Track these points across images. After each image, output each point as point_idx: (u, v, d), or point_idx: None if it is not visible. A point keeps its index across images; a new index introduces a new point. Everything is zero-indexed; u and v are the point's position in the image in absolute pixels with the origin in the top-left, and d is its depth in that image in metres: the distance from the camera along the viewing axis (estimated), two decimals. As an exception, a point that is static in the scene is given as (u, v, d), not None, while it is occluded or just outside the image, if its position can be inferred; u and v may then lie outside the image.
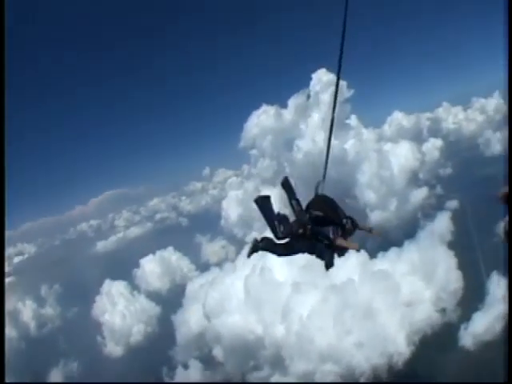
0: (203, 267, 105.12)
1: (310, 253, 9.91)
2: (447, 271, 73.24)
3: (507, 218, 2.83)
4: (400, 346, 65.20)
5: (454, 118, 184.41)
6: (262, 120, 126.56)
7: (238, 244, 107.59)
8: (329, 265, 9.95)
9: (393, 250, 77.63)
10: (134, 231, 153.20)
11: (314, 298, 66.08)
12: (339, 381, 62.45)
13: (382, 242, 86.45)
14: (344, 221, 9.87)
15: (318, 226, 9.66)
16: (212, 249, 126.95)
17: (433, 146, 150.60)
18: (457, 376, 63.65)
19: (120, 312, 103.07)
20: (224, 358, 71.55)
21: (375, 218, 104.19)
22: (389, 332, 65.50)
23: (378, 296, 66.74)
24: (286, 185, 10.83)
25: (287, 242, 9.83)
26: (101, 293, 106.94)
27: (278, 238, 9.71)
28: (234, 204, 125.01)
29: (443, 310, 71.86)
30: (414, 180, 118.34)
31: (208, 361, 77.76)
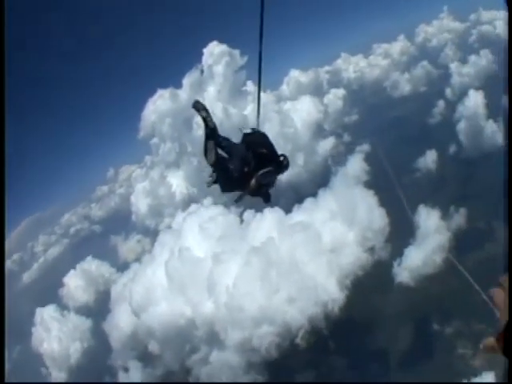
0: (123, 267, 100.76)
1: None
2: (369, 210, 72.82)
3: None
4: (333, 293, 64.23)
5: (356, 66, 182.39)
6: (159, 105, 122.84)
7: (152, 235, 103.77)
8: (268, 198, 9.80)
9: (308, 201, 76.41)
10: (53, 252, 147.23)
11: (237, 265, 64.00)
12: (278, 340, 60.77)
13: (295, 195, 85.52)
14: (281, 158, 9.74)
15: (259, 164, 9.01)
16: (128, 246, 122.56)
17: (335, 96, 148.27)
18: (400, 313, 63.65)
19: (55, 337, 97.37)
20: (160, 351, 68.65)
21: (284, 176, 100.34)
22: (318, 281, 64.21)
23: (300, 248, 65.40)
24: (200, 106, 8.79)
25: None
26: (35, 323, 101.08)
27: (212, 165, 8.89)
28: (142, 196, 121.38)
29: (371, 249, 71.37)
30: (319, 132, 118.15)
31: (146, 358, 74.58)
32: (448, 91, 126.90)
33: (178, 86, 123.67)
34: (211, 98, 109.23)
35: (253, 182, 9.00)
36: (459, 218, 75.92)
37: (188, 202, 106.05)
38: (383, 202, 73.60)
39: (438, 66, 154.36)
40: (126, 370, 77.01)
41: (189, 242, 68.34)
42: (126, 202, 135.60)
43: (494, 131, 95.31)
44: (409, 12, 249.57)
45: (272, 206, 72.71)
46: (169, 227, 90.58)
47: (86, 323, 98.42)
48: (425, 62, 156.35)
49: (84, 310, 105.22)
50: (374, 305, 66.51)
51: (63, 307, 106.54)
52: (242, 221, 72.83)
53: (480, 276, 61.82)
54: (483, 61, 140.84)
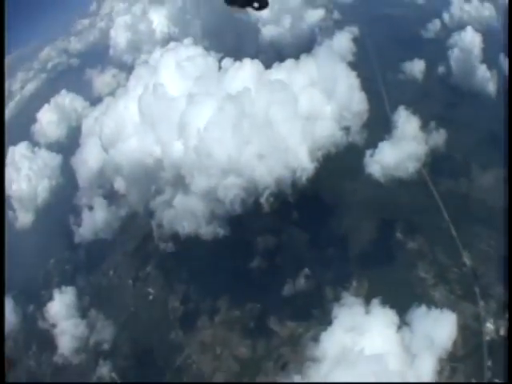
0: (97, 101, 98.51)
1: None
2: (349, 90, 70.67)
3: None
4: (303, 161, 63.77)
5: None
6: None
7: (128, 70, 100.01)
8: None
9: (289, 61, 73.80)
10: (29, 88, 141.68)
11: (210, 109, 62.29)
12: (243, 194, 60.83)
13: (276, 55, 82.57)
14: None
15: None
16: (103, 80, 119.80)
17: None
18: (367, 206, 64.05)
19: (25, 176, 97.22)
20: (126, 190, 68.89)
21: (268, 32, 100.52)
22: (290, 144, 63.47)
23: (275, 106, 63.91)
24: None
25: None
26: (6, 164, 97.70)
27: None
28: (122, 30, 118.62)
29: (347, 129, 70.42)
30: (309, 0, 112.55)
31: (111, 196, 75.94)
32: (446, 16, 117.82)
33: None
34: None
35: None
36: (439, 136, 74.65)
37: (168, 40, 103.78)
38: (365, 87, 71.54)
39: None
40: (91, 208, 78.58)
41: (164, 79, 66.30)
42: (106, 36, 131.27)
43: (485, 77, 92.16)
44: None
45: (252, 58, 71.22)
46: (145, 62, 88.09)
47: (55, 159, 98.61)
48: None
49: (55, 146, 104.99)
50: (341, 188, 66.91)
51: (34, 144, 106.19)
52: (220, 67, 70.58)
53: (449, 205, 62.80)
54: (486, 12, 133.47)
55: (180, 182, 62.67)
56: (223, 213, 61.71)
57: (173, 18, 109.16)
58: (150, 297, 64.98)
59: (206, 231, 61.67)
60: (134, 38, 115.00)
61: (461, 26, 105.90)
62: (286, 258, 61.31)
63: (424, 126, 74.67)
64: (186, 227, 62.36)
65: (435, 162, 70.50)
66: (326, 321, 51.59)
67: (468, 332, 51.79)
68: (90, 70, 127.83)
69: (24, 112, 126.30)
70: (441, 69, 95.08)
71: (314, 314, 55.80)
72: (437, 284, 55.57)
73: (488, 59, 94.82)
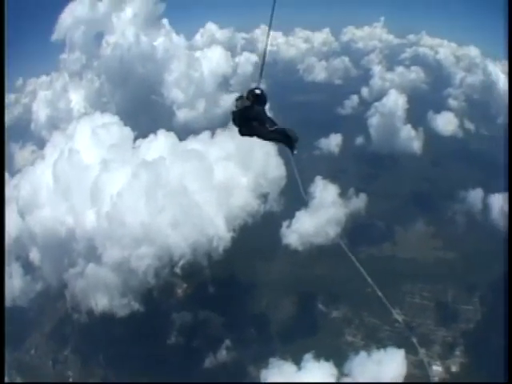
0: (17, 173, 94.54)
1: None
2: (266, 158, 71.65)
3: None
4: (219, 230, 62.93)
5: (273, 40, 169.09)
6: (77, 11, 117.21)
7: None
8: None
9: (204, 134, 74.92)
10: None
11: (124, 176, 61.29)
12: (157, 264, 58.65)
13: (190, 130, 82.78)
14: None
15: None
16: (23, 155, 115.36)
17: (247, 59, 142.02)
18: (286, 279, 63.09)
19: None
20: (41, 262, 65.83)
21: (182, 115, 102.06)
22: (206, 213, 62.71)
23: (190, 175, 63.87)
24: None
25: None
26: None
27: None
28: (43, 106, 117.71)
29: (264, 197, 70.90)
30: (224, 85, 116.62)
31: (27, 265, 70.59)
32: (365, 90, 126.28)
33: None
34: (127, 19, 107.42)
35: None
36: (358, 201, 76.23)
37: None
38: (282, 152, 72.45)
39: (359, 67, 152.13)
40: (10, 275, 72.95)
41: (79, 145, 65.21)
42: (29, 111, 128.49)
43: (410, 137, 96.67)
44: (341, 12, 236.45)
45: (167, 130, 71.86)
46: (63, 129, 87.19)
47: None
48: (345, 58, 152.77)
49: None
50: (259, 263, 65.51)
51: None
52: (134, 138, 70.41)
53: (373, 270, 62.51)
54: (412, 75, 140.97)
55: (92, 253, 59.71)
56: (137, 285, 58.84)
57: (89, 98, 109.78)
58: (70, 379, 59.87)
59: (121, 305, 58.30)
60: (53, 115, 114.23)
61: (382, 94, 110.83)
62: (203, 336, 58.30)
63: (343, 193, 75.60)
64: (99, 301, 58.81)
65: (356, 229, 71.11)
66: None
67: (414, 378, 51.72)
68: (13, 144, 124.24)
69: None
70: (359, 139, 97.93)
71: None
72: (367, 344, 54.97)
73: (413, 118, 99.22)
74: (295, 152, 12.20)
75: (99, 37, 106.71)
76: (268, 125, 12.08)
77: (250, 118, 11.91)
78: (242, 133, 12.19)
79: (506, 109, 74.51)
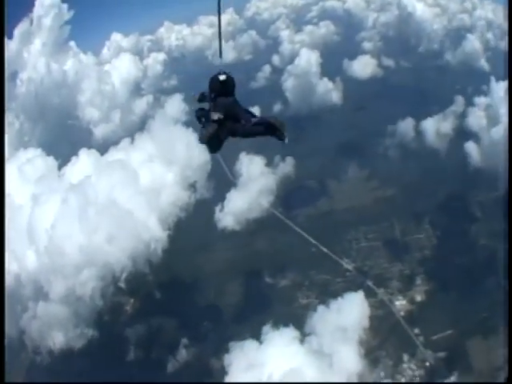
0: None
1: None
2: (188, 148, 70.33)
3: None
4: (155, 231, 61.88)
5: (178, 34, 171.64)
6: None
7: None
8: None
9: (124, 141, 73.81)
10: None
11: (55, 205, 59.80)
12: (101, 284, 56.91)
13: (110, 143, 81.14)
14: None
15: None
16: None
17: (154, 60, 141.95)
18: (228, 263, 62.54)
19: None
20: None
21: (100, 131, 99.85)
22: (138, 218, 61.44)
23: (117, 187, 62.39)
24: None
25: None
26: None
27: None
28: None
29: (193, 186, 70.44)
30: (136, 90, 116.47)
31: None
32: (276, 58, 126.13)
33: (9, 35, 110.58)
34: (36, 51, 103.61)
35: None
36: (286, 166, 76.77)
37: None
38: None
39: (267, 37, 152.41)
40: None
41: (9, 188, 62.08)
42: None
43: (328, 90, 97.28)
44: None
45: (88, 148, 70.52)
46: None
47: None
48: (252, 32, 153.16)
49: None
50: (199, 254, 64.76)
51: None
52: (59, 166, 68.73)
53: (313, 228, 63.98)
54: (322, 30, 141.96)
55: (39, 292, 57.86)
56: (87, 311, 57.33)
57: (12, 141, 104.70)
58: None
59: (76, 336, 56.40)
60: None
61: (294, 56, 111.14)
62: (160, 343, 57.64)
63: (269, 163, 75.89)
64: (56, 339, 56.67)
65: (289, 194, 71.63)
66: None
67: (379, 318, 52.39)
68: None
69: None
70: (276, 106, 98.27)
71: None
72: (323, 301, 54.51)
73: (328, 71, 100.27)
74: (286, 140, 9.56)
75: (14, 76, 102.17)
76: (244, 120, 9.70)
77: (226, 131, 9.67)
78: (215, 150, 9.96)
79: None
